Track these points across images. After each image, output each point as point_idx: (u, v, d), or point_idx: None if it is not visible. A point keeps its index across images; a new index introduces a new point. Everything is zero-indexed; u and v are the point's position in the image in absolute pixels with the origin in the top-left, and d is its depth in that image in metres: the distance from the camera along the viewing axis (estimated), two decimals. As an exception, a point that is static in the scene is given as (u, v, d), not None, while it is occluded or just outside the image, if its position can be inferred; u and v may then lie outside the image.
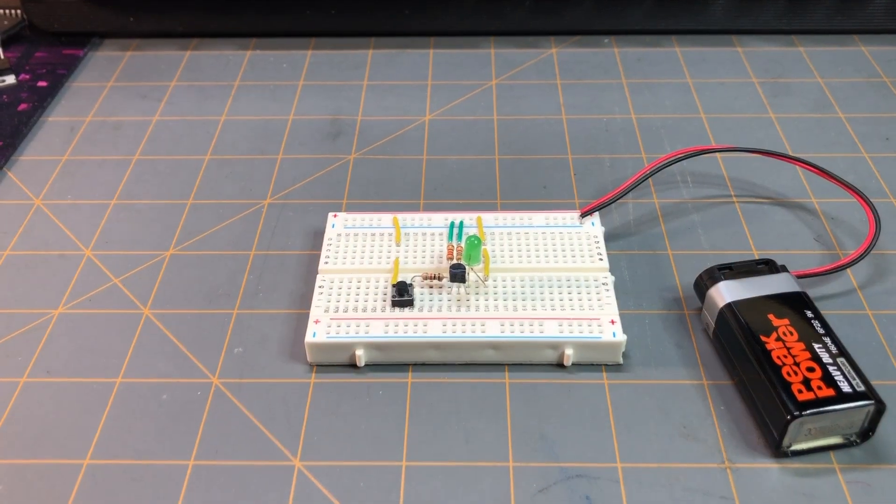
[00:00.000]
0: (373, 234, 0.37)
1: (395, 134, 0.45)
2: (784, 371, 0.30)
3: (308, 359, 0.33)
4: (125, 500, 0.29)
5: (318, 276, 0.35)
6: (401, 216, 0.38)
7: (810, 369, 0.30)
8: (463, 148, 0.44)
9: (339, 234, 0.37)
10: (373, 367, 0.33)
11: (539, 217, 0.38)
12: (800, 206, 0.40)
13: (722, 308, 0.33)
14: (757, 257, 0.36)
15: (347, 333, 0.33)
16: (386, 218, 0.38)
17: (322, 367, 0.33)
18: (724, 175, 0.42)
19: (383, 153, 0.44)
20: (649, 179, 0.40)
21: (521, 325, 0.33)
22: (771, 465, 0.30)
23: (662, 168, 0.39)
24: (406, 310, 0.33)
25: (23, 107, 0.47)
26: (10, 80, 0.48)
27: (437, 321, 0.33)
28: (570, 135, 0.45)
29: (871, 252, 0.36)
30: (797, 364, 0.30)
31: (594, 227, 0.37)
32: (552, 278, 0.35)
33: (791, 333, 0.31)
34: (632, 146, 0.44)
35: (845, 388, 0.29)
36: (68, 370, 0.33)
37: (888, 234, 0.38)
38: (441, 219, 0.38)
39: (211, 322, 0.35)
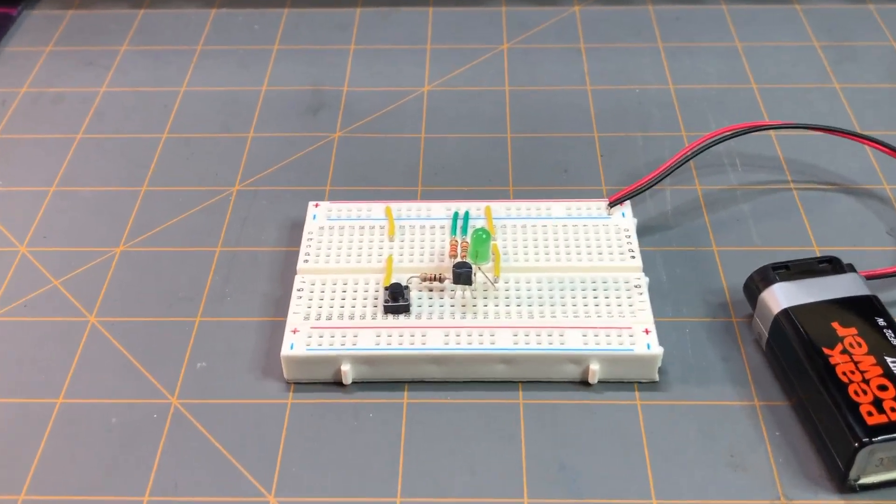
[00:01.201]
0: (361, 227, 0.37)
1: (387, 108, 0.45)
2: (851, 389, 0.30)
3: (285, 375, 0.33)
4: (68, 542, 0.29)
5: (297, 277, 0.35)
6: (394, 206, 0.38)
7: (882, 388, 0.30)
8: (468, 124, 0.44)
9: (321, 227, 0.37)
10: (362, 384, 0.33)
11: (559, 207, 0.38)
12: (870, 194, 0.40)
13: (777, 315, 0.33)
14: (818, 254, 0.36)
15: (331, 345, 0.33)
16: (377, 208, 0.38)
17: (301, 385, 0.33)
18: (780, 157, 0.42)
19: (373, 131, 0.44)
20: (690, 162, 0.40)
21: (538, 336, 0.33)
22: (835, 502, 0.30)
23: (706, 148, 0.39)
24: (401, 317, 0.34)
25: (-55, 76, 0.47)
26: (-70, 43, 0.48)
27: (437, 331, 0.33)
28: (595, 108, 0.45)
29: (955, 248, 0.36)
30: (866, 381, 0.30)
31: (625, 218, 0.37)
32: (574, 279, 0.35)
33: (859, 345, 0.31)
34: (669, 122, 0.44)
35: (923, 409, 0.29)
36: (0, 389, 0.33)
37: (975, 227, 0.38)
38: (442, 209, 0.38)
39: (169, 331, 0.35)
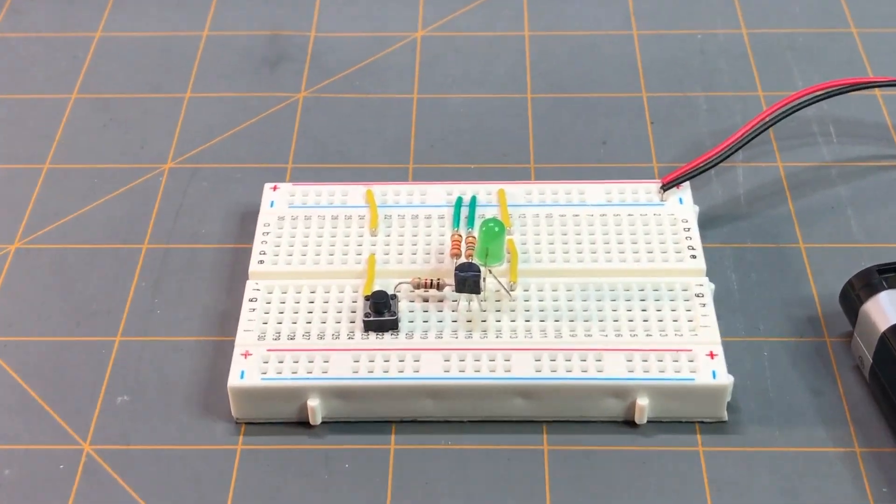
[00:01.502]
0: (334, 217, 0.37)
1: (368, 59, 0.45)
2: (981, 432, 0.30)
3: (233, 412, 0.33)
4: None
5: (249, 283, 0.35)
6: (377, 189, 0.38)
7: None
8: (476, 82, 0.44)
9: (280, 218, 0.37)
10: (334, 425, 0.33)
11: (596, 190, 0.38)
12: None
13: (885, 333, 0.33)
14: (939, 253, 0.36)
15: (295, 373, 0.33)
16: (355, 191, 0.38)
17: (255, 426, 0.33)
18: (888, 124, 0.42)
19: (350, 90, 0.44)
20: (770, 131, 0.40)
21: (568, 361, 0.33)
22: (960, 580, 0.30)
23: (791, 113, 0.39)
24: (387, 336, 0.34)
25: None
26: None
27: (434, 354, 0.33)
28: (644, 60, 0.45)
29: None
30: None
31: (683, 205, 0.37)
32: (616, 287, 0.35)
33: None
34: (742, 78, 0.44)
35: None
36: None
37: None
38: (441, 193, 0.38)
39: (80, 355, 0.35)
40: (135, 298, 0.37)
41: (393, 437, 0.33)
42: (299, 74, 0.45)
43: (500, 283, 0.34)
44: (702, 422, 0.33)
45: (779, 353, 0.35)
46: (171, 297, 0.37)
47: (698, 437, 0.33)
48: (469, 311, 0.34)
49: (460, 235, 0.36)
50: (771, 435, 0.33)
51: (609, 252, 0.36)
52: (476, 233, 0.36)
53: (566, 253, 0.36)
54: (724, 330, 0.34)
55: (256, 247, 0.36)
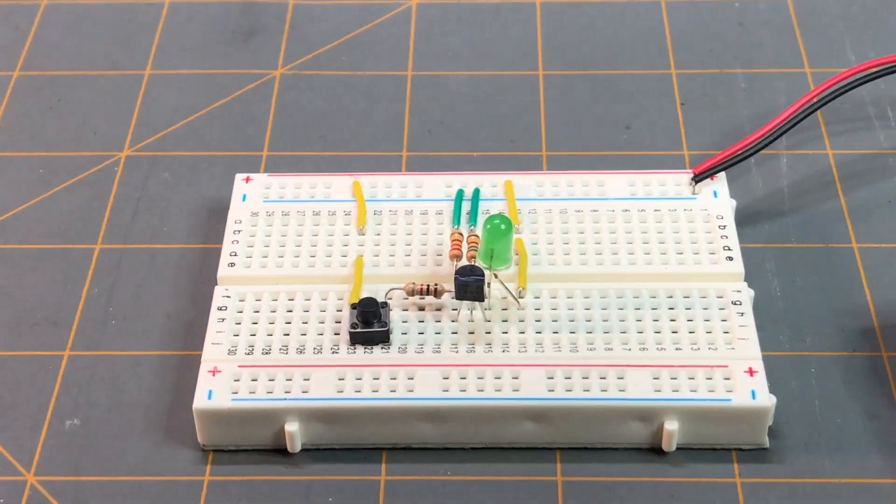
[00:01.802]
0: (316, 213, 0.37)
1: (355, 31, 0.45)
2: None
3: (199, 438, 0.33)
4: None
5: (218, 290, 0.35)
6: (366, 180, 0.38)
7: None
8: (480, 57, 0.44)
9: (254, 213, 0.37)
10: (316, 452, 0.33)
11: (618, 182, 0.38)
12: None
13: (950, 347, 0.33)
14: None
15: (270, 393, 0.33)
16: (339, 183, 0.38)
17: (225, 454, 0.33)
18: (955, 105, 0.42)
19: (334, 66, 0.44)
20: (818, 113, 0.40)
21: (586, 379, 0.33)
22: None
23: (842, 93, 0.39)
24: (377, 350, 0.33)
25: None
26: None
27: (432, 371, 0.33)
28: (673, 32, 0.45)
29: None
30: None
31: (718, 199, 0.37)
32: (641, 293, 0.35)
33: None
34: (787, 52, 0.44)
35: None
36: None
37: None
38: (439, 185, 0.38)
39: (23, 372, 0.35)
40: (86, 307, 0.37)
41: (384, 466, 0.33)
42: (276, 48, 0.45)
43: (506, 288, 0.34)
44: (739, 449, 0.33)
45: (828, 369, 0.35)
46: (128, 305, 0.37)
47: (735, 466, 0.33)
48: (471, 321, 0.34)
49: (461, 234, 0.36)
50: (819, 464, 0.33)
51: (633, 253, 0.36)
52: (479, 231, 0.35)
53: (583, 254, 0.36)
54: (766, 343, 0.34)
55: (226, 247, 0.36)
